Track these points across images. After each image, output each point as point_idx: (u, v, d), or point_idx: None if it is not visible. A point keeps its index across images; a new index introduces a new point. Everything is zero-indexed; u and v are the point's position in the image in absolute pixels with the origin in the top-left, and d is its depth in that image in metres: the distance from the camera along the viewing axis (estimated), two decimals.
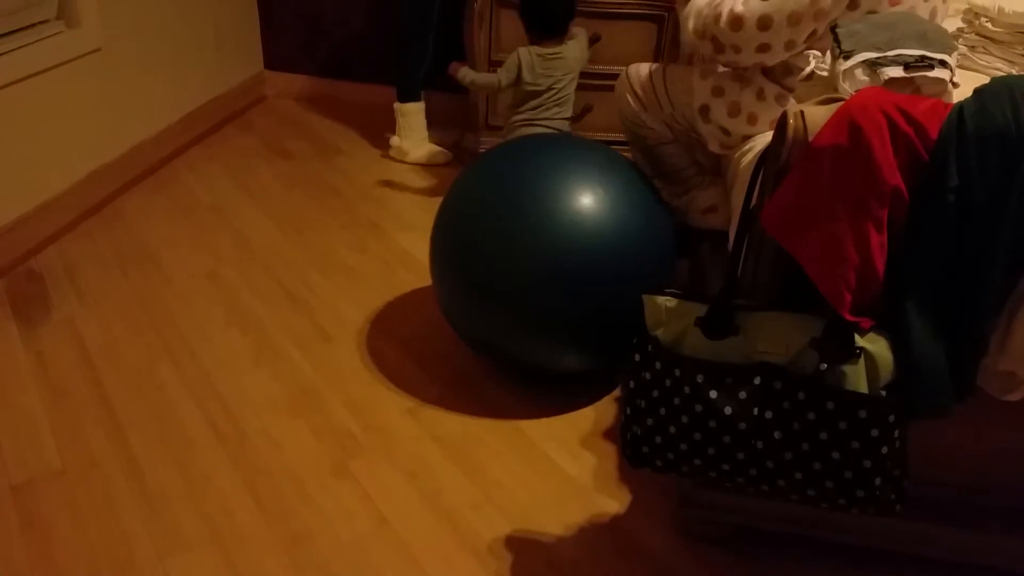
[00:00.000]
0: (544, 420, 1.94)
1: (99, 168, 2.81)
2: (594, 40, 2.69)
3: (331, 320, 2.29)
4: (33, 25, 2.53)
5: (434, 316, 2.29)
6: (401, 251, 2.64)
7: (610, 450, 1.86)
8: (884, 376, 1.21)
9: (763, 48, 1.67)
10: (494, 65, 2.74)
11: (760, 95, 1.79)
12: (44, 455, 1.79)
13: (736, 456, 1.26)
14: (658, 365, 1.31)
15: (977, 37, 1.78)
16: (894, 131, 1.15)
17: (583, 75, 2.53)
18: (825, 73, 1.67)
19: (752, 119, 1.80)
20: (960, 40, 1.78)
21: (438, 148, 3.24)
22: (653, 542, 1.62)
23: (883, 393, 1.21)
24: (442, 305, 2.00)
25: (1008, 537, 1.47)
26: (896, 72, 1.33)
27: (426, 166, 3.23)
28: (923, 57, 1.33)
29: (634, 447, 1.35)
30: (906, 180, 1.16)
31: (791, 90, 1.78)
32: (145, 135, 3.05)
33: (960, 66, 1.56)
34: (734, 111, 1.82)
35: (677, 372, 1.29)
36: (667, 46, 2.81)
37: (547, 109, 2.44)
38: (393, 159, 3.28)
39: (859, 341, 1.20)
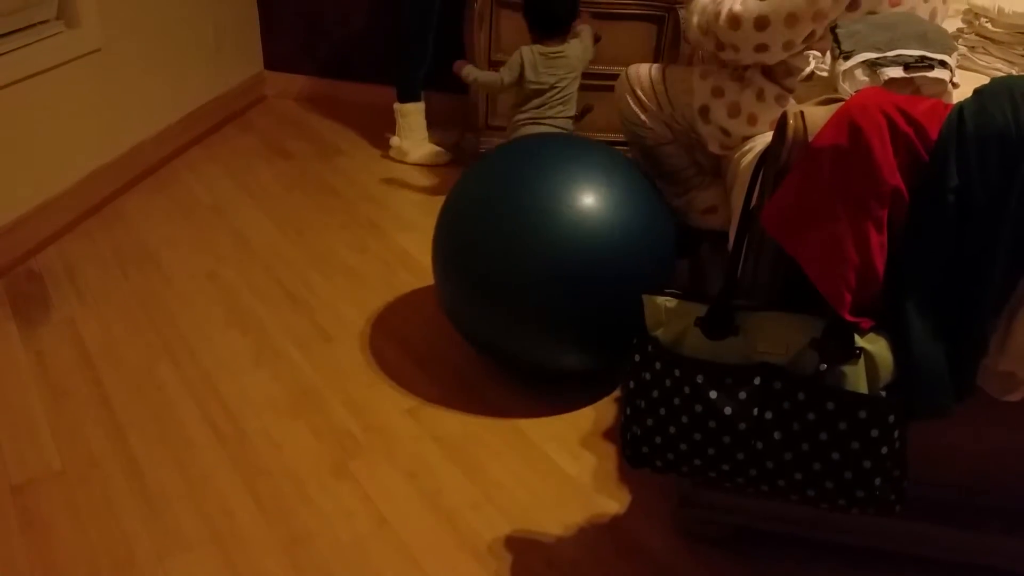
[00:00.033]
0: (544, 420, 1.94)
1: (99, 168, 2.81)
2: (595, 40, 2.68)
3: (331, 320, 2.29)
4: (33, 25, 2.54)
5: (434, 316, 2.29)
6: (401, 251, 2.64)
7: (610, 450, 1.86)
8: (884, 376, 1.21)
9: (761, 48, 1.67)
10: (494, 65, 2.74)
11: (760, 96, 1.79)
12: (44, 455, 1.79)
13: (736, 456, 1.26)
14: (658, 365, 1.31)
15: (977, 38, 1.78)
16: (894, 131, 1.15)
17: (583, 75, 2.53)
18: (825, 74, 1.67)
19: (752, 120, 1.80)
20: (960, 40, 1.78)
21: (438, 148, 3.24)
22: (653, 542, 1.62)
23: (883, 393, 1.21)
24: (444, 304, 2.00)
25: (1008, 537, 1.47)
26: (896, 72, 1.33)
27: (426, 166, 3.23)
28: (923, 57, 1.33)
29: (634, 447, 1.35)
30: (906, 180, 1.16)
31: (791, 91, 1.78)
32: (145, 135, 3.05)
33: (960, 66, 1.56)
34: (734, 112, 1.82)
35: (677, 372, 1.29)
36: (667, 46, 2.81)
37: (551, 108, 2.44)
38: (393, 159, 3.28)
39: (859, 341, 1.20)
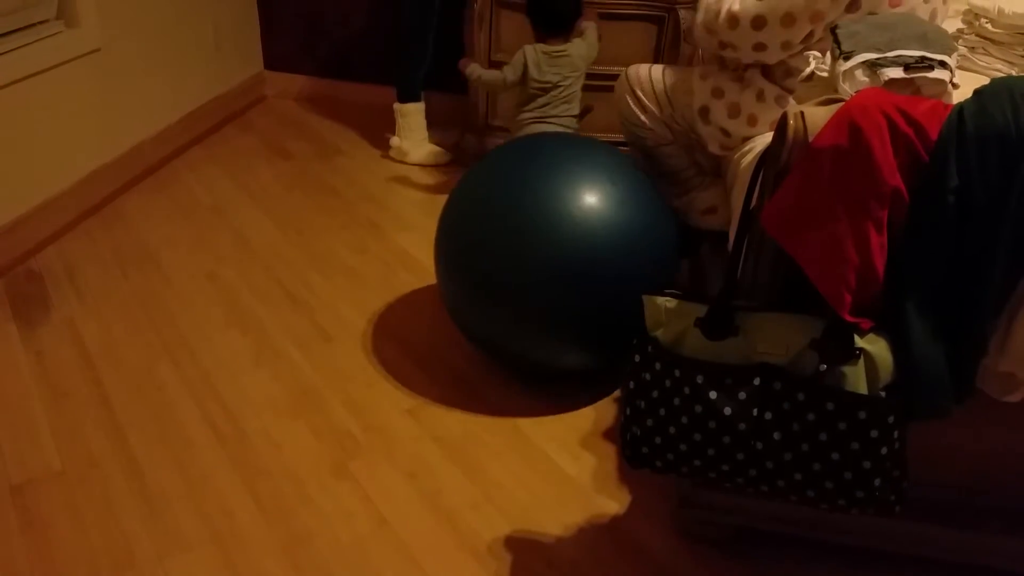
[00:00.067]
0: (544, 420, 1.94)
1: (99, 168, 2.81)
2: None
3: (331, 320, 2.29)
4: (32, 25, 2.54)
5: (434, 316, 2.29)
6: (401, 251, 2.64)
7: (610, 450, 1.86)
8: (884, 377, 1.21)
9: (759, 47, 1.68)
10: (494, 65, 2.74)
11: (760, 96, 1.79)
12: (44, 455, 1.79)
13: (736, 457, 1.26)
14: (658, 366, 1.31)
15: (977, 38, 1.78)
16: (894, 132, 1.15)
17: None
18: (825, 74, 1.67)
19: (752, 120, 1.80)
20: (960, 41, 1.78)
21: (438, 148, 3.24)
22: (653, 542, 1.62)
23: (883, 394, 1.21)
24: (446, 303, 2.00)
25: (1008, 537, 1.47)
26: (896, 73, 1.33)
27: (426, 166, 3.23)
28: (923, 58, 1.33)
29: (634, 448, 1.35)
30: (906, 181, 1.16)
31: (791, 91, 1.78)
32: (145, 135, 3.05)
33: (960, 67, 1.56)
34: (734, 112, 1.82)
35: (677, 373, 1.29)
36: (667, 47, 2.81)
37: (555, 107, 2.45)
38: (393, 159, 3.28)
39: (859, 342, 1.20)
